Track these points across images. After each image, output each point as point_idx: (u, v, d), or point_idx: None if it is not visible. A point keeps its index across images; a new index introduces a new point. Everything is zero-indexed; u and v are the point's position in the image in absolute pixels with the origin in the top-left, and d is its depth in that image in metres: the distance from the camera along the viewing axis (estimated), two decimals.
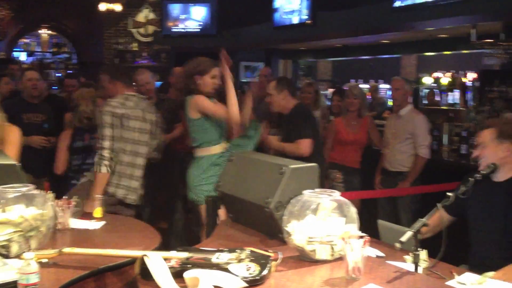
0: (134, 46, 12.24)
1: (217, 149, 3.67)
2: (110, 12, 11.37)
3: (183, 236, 4.94)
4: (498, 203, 2.70)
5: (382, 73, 13.95)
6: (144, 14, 12.13)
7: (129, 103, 3.68)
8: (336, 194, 2.29)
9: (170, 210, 4.94)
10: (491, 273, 2.19)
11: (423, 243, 2.70)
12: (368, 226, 2.81)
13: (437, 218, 2.75)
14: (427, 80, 10.80)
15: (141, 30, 12.22)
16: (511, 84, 6.60)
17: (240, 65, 11.60)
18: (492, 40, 6.24)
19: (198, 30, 10.87)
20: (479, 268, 2.52)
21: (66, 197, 2.88)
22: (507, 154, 2.68)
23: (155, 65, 11.60)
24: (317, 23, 8.00)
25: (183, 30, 10.92)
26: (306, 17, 8.22)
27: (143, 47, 12.26)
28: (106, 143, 3.53)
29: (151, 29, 12.08)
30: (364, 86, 14.18)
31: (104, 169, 3.48)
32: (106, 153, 3.51)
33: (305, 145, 4.03)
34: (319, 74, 17.58)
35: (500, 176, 2.73)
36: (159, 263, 1.94)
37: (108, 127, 3.55)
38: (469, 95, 8.26)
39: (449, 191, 2.48)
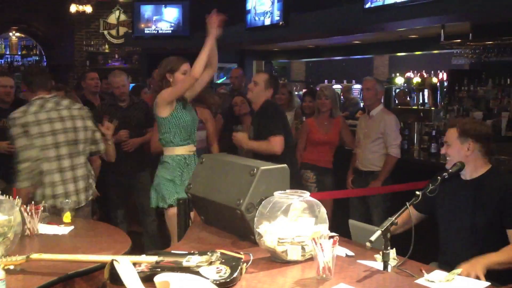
0: (106, 48, 12.13)
1: (180, 150, 3.64)
2: (80, 14, 11.25)
3: (156, 239, 4.91)
4: (466, 201, 2.74)
5: (355, 74, 14.08)
6: (115, 16, 12.03)
7: (32, 108, 3.45)
8: (307, 195, 2.30)
9: (143, 213, 4.90)
10: (458, 270, 2.23)
11: (393, 242, 2.73)
12: (340, 225, 2.84)
13: (407, 216, 2.79)
14: (399, 80, 10.93)
15: (113, 31, 12.11)
16: (480, 83, 6.73)
17: None
18: (460, 40, 6.35)
19: (170, 31, 10.80)
20: (449, 265, 2.57)
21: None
22: (470, 152, 2.73)
23: (127, 67, 11.51)
24: (289, 24, 8.03)
25: (155, 32, 10.83)
26: (278, 18, 8.25)
27: (115, 49, 12.15)
28: (20, 156, 3.39)
29: (122, 30, 11.99)
30: (337, 87, 14.31)
31: (21, 185, 3.37)
32: (22, 167, 3.38)
33: (277, 143, 3.96)
34: (293, 75, 17.66)
35: (468, 175, 2.78)
36: (128, 268, 1.92)
37: (17, 138, 3.40)
38: (439, 95, 8.38)
39: (418, 190, 2.51)
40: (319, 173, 4.90)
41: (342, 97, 11.52)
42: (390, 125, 4.63)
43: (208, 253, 2.10)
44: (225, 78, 11.55)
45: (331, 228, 2.64)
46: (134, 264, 1.99)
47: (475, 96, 6.69)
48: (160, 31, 10.74)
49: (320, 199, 4.00)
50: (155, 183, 3.67)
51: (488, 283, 2.15)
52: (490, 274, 2.43)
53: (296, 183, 3.60)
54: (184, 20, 10.47)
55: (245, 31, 8.82)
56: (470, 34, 6.44)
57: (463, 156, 2.75)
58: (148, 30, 10.83)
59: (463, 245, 2.72)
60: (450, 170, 2.71)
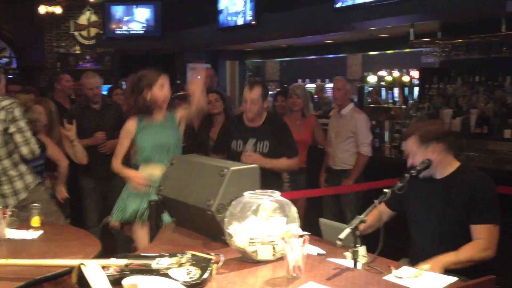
0: (77, 49, 11.98)
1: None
2: (50, 15, 11.09)
3: (130, 242, 4.86)
4: (436, 199, 2.78)
5: (328, 73, 14.17)
6: (86, 17, 11.89)
7: None
8: (277, 195, 2.31)
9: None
10: (426, 266, 2.26)
11: (364, 239, 2.77)
12: (314, 224, 2.86)
13: (378, 214, 2.82)
14: (371, 78, 11.02)
15: (83, 32, 11.96)
16: (449, 81, 6.83)
17: (187, 66, 11.52)
18: (429, 39, 6.43)
19: (143, 32, 10.72)
20: (419, 261, 2.61)
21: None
22: (437, 154, 2.74)
23: (99, 68, 11.38)
24: (261, 24, 8.05)
25: (126, 32, 10.74)
26: (251, 18, 8.26)
27: (86, 50, 12.00)
28: None
29: (93, 31, 11.85)
30: (311, 86, 14.38)
31: None
32: None
33: (298, 161, 3.98)
34: (267, 74, 17.70)
35: (438, 174, 2.81)
36: (96, 272, 1.90)
37: None
38: (408, 93, 8.49)
39: (386, 187, 2.54)
40: (292, 173, 4.91)
41: (315, 96, 11.60)
42: (360, 124, 4.68)
43: (178, 254, 2.09)
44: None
45: (305, 227, 2.66)
46: (103, 267, 1.97)
47: (444, 94, 6.77)
48: (131, 32, 10.66)
49: (294, 198, 4.05)
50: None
51: (456, 278, 2.19)
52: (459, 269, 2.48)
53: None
54: (156, 21, 10.41)
55: (217, 31, 8.81)
56: (439, 33, 6.54)
57: (431, 160, 2.75)
58: (119, 30, 10.74)
59: (432, 242, 2.76)
60: (418, 168, 2.74)
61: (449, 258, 2.49)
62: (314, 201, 4.95)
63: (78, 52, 11.99)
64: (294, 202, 3.80)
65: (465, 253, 2.53)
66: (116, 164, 3.51)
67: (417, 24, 6.47)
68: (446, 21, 6.56)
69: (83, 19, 11.92)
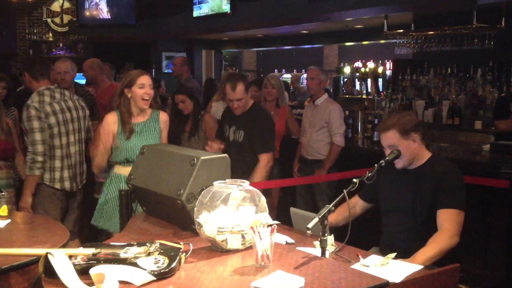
0: (50, 37, 11.75)
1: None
2: (22, 1, 10.84)
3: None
4: (407, 188, 2.83)
5: (305, 63, 14.23)
6: (59, 3, 11.66)
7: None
8: (246, 184, 2.32)
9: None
10: (392, 255, 2.29)
11: (334, 229, 2.80)
12: (287, 213, 2.88)
13: (351, 206, 2.83)
14: (347, 69, 11.11)
15: (56, 19, 11.73)
16: (422, 72, 6.91)
17: (162, 55, 11.42)
18: (402, 31, 6.49)
19: (116, 19, 10.55)
20: (389, 249, 2.65)
21: None
22: (417, 143, 2.80)
23: (72, 56, 11.20)
24: (236, 13, 8.01)
25: (100, 20, 10.57)
26: (226, 7, 8.21)
27: (59, 37, 11.79)
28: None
29: (66, 18, 11.64)
30: (287, 76, 14.41)
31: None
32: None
33: (270, 160, 3.98)
34: (244, 64, 17.68)
35: (411, 166, 2.86)
36: (63, 261, 1.89)
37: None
38: (381, 84, 8.57)
39: (355, 178, 2.57)
40: None
41: (291, 86, 11.63)
42: (334, 114, 4.71)
43: (147, 244, 2.09)
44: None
45: (278, 217, 2.68)
46: (70, 256, 1.96)
47: (417, 85, 6.86)
48: (105, 19, 10.50)
49: (267, 188, 4.07)
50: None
51: (421, 266, 2.23)
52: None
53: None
54: (130, 9, 10.26)
55: (192, 20, 8.74)
56: (412, 24, 6.60)
57: (413, 150, 2.80)
58: (93, 18, 10.57)
59: (403, 231, 2.81)
60: (387, 158, 2.78)
61: (423, 258, 2.48)
62: (288, 191, 4.97)
63: (51, 39, 11.77)
64: (268, 192, 3.84)
65: (435, 246, 2.55)
66: (102, 162, 3.48)
67: (391, 16, 6.53)
68: (419, 13, 6.62)
69: (56, 5, 11.69)
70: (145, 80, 3.40)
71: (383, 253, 2.71)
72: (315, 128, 4.77)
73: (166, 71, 11.37)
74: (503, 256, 3.81)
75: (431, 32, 6.24)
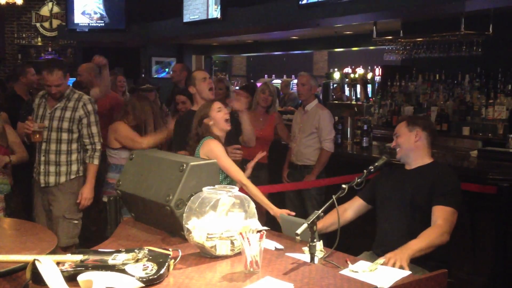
0: (38, 41, 11.69)
1: None
2: (11, 6, 10.79)
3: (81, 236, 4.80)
4: (406, 190, 2.89)
5: (295, 69, 14.28)
6: (48, 8, 11.62)
7: None
8: (235, 190, 2.32)
9: None
10: (381, 260, 2.30)
11: (324, 234, 2.81)
12: (276, 219, 2.88)
13: (340, 212, 2.85)
14: (336, 75, 11.16)
15: (45, 24, 11.69)
16: (410, 79, 6.96)
17: (152, 60, 11.40)
18: (391, 37, 6.53)
19: (106, 24, 10.53)
20: (383, 250, 2.69)
21: None
22: (418, 138, 2.92)
23: (61, 60, 11.14)
24: (227, 19, 8.03)
25: (89, 25, 10.54)
26: (216, 12, 8.23)
27: (48, 42, 11.73)
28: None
29: (55, 23, 11.60)
30: (277, 82, 14.43)
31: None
32: None
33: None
34: (234, 69, 17.71)
35: (413, 164, 2.95)
36: (51, 267, 1.88)
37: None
38: (370, 90, 8.61)
39: (344, 183, 2.58)
40: (254, 168, 4.86)
41: (281, 92, 11.65)
42: (324, 120, 4.72)
43: (135, 250, 2.08)
44: (165, 73, 11.42)
45: (267, 223, 2.68)
46: (58, 263, 1.95)
47: (406, 91, 6.91)
48: (94, 24, 10.47)
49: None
50: None
51: (409, 272, 2.24)
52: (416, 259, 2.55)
53: None
54: (119, 13, 10.25)
55: (182, 25, 8.75)
56: (401, 31, 6.64)
57: (412, 143, 2.92)
58: (82, 22, 10.53)
59: (399, 229, 2.85)
60: (376, 164, 2.82)
61: (412, 247, 2.55)
62: (277, 197, 4.97)
63: (39, 44, 11.71)
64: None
65: (426, 239, 2.62)
66: None
67: (380, 22, 6.57)
68: (407, 20, 6.67)
69: (45, 10, 11.65)
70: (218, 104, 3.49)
71: (377, 254, 2.74)
72: (305, 134, 4.78)
73: (156, 76, 11.35)
74: (490, 261, 3.83)
75: (420, 39, 6.29)
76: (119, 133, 4.10)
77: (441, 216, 2.71)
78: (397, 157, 2.98)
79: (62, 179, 3.88)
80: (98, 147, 3.96)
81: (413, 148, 2.92)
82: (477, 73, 6.24)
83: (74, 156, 3.92)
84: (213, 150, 3.27)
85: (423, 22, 6.65)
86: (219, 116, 3.41)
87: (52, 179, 3.86)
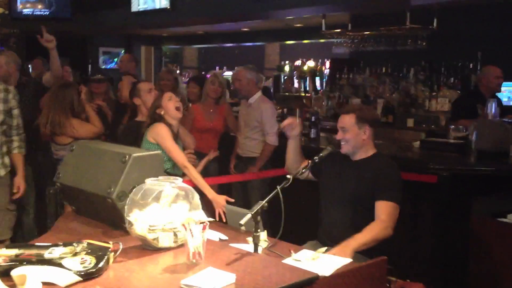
0: None
1: None
2: None
3: (35, 230, 4.67)
4: (349, 179, 2.93)
5: (247, 61, 14.19)
6: None
7: None
8: (179, 181, 2.29)
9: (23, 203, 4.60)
10: (323, 249, 2.33)
11: (269, 224, 2.82)
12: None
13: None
14: (288, 67, 11.21)
15: None
16: (358, 71, 7.07)
17: (99, 50, 11.14)
18: (340, 30, 6.61)
19: (50, 13, 10.18)
20: (327, 240, 2.72)
21: None
22: (367, 136, 2.93)
23: (3, 50, 10.74)
24: (176, 9, 7.91)
25: (33, 13, 10.17)
26: (166, 2, 8.09)
27: None
28: None
29: None
30: (229, 74, 14.37)
31: None
32: None
33: None
34: (186, 61, 17.50)
35: (357, 156, 2.98)
36: None
37: None
38: (318, 82, 8.71)
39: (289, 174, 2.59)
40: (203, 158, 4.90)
41: (232, 84, 11.62)
42: (266, 114, 4.71)
43: (74, 244, 2.03)
44: (113, 64, 11.18)
45: (215, 214, 2.66)
46: None
47: (354, 84, 7.02)
48: (39, 13, 10.11)
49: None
50: None
51: (350, 260, 2.28)
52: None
53: None
54: (65, 1, 9.93)
55: (131, 14, 8.57)
56: (349, 24, 6.73)
57: (360, 140, 2.93)
58: (26, 11, 10.16)
59: (342, 220, 2.89)
60: (321, 154, 2.86)
61: (356, 241, 2.61)
62: (226, 188, 4.96)
63: None
64: None
65: (369, 234, 2.67)
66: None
67: (329, 16, 6.64)
68: (355, 13, 6.76)
69: None
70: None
71: (322, 243, 2.77)
72: (249, 127, 4.77)
73: (104, 67, 11.09)
74: (430, 248, 3.95)
75: (367, 32, 6.40)
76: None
77: (385, 211, 2.76)
78: (342, 151, 2.97)
79: (2, 172, 3.78)
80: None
81: (360, 145, 2.94)
82: (422, 66, 6.40)
83: (5, 148, 3.83)
84: (159, 133, 3.46)
85: (371, 16, 6.77)
86: (170, 105, 3.55)
87: None
